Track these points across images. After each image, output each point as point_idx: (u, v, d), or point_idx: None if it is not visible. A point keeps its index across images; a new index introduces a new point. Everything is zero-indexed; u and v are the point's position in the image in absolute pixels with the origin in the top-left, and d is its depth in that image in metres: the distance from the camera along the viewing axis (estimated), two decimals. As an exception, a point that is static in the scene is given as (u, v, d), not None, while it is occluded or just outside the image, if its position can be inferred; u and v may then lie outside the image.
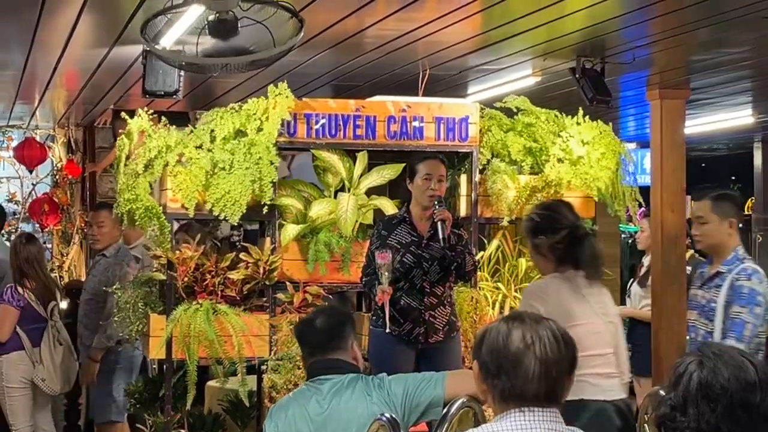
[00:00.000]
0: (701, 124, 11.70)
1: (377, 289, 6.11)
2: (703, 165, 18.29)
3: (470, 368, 6.42)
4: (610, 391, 5.08)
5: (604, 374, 5.07)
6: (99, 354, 8.15)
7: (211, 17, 4.73)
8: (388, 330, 6.12)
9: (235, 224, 7.05)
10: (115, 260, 8.21)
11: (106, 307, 7.94)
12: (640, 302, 9.21)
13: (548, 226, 5.19)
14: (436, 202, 6.27)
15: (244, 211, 6.52)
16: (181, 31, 5.68)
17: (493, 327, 2.84)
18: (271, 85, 6.72)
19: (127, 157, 6.72)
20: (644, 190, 7.95)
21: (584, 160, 7.11)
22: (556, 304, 4.96)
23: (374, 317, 6.37)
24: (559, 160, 7.11)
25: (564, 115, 7.30)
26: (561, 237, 5.15)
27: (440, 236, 6.19)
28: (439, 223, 6.21)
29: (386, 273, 6.06)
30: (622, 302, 9.67)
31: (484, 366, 2.82)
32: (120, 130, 7.11)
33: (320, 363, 4.34)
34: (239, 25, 4.77)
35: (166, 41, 5.88)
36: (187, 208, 6.51)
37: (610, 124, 7.42)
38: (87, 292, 8.37)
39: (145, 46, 5.35)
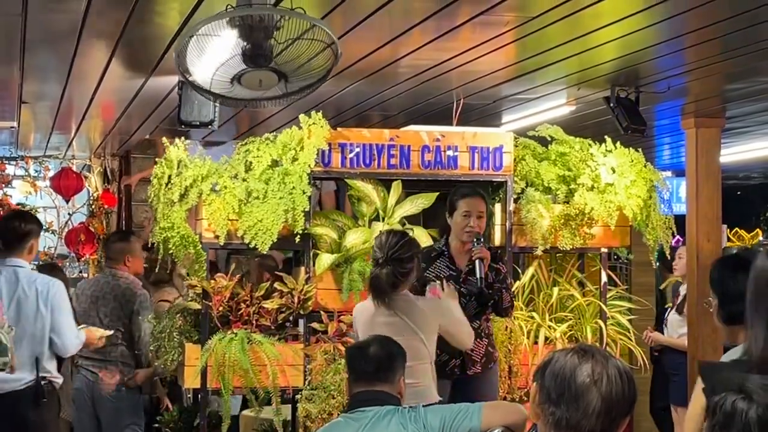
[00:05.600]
0: (737, 152, 11.63)
1: None
2: (739, 193, 18.17)
3: (505, 399, 6.41)
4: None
5: None
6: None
7: (244, 44, 4.73)
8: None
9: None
10: None
11: None
12: (677, 330, 9.15)
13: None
14: (474, 240, 6.26)
15: (275, 240, 6.53)
16: (216, 61, 5.67)
17: (560, 355, 2.80)
18: (302, 114, 6.74)
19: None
20: (680, 219, 7.91)
21: (612, 188, 7.09)
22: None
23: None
24: (590, 188, 7.09)
25: (598, 143, 7.29)
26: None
27: (477, 275, 6.19)
28: (477, 262, 6.21)
29: None
30: (659, 331, 9.60)
31: (545, 391, 2.77)
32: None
33: (364, 395, 4.32)
34: (273, 54, 4.77)
35: (202, 72, 5.88)
36: (218, 236, 6.54)
37: (641, 151, 7.40)
38: None
39: (181, 77, 5.34)
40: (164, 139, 7.05)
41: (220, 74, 4.88)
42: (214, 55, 4.73)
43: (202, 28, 4.61)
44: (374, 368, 4.37)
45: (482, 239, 6.35)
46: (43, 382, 6.69)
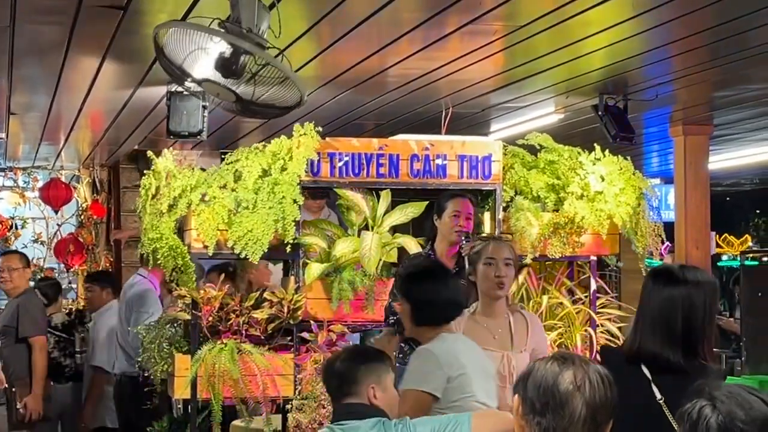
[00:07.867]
0: (726, 159, 11.66)
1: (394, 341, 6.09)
2: (728, 198, 18.21)
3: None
4: None
5: None
6: None
7: (224, 51, 4.71)
8: None
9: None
10: None
11: None
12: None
13: None
14: (464, 238, 6.27)
15: (266, 249, 6.52)
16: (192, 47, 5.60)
17: (540, 364, 2.79)
18: (297, 124, 6.74)
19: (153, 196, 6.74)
20: (668, 226, 7.92)
21: (601, 196, 7.09)
22: None
23: (400, 355, 6.34)
24: (579, 197, 7.09)
25: (587, 152, 7.29)
26: None
27: (467, 272, 6.18)
28: (466, 258, 6.20)
29: None
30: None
31: (529, 402, 2.76)
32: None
33: (343, 408, 4.33)
34: (245, 72, 4.75)
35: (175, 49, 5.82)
36: (207, 246, 6.52)
37: (629, 159, 7.41)
38: None
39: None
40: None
41: (188, 62, 4.87)
42: (193, 43, 4.71)
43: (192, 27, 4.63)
44: (338, 382, 4.39)
45: (471, 238, 6.34)
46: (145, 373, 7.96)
